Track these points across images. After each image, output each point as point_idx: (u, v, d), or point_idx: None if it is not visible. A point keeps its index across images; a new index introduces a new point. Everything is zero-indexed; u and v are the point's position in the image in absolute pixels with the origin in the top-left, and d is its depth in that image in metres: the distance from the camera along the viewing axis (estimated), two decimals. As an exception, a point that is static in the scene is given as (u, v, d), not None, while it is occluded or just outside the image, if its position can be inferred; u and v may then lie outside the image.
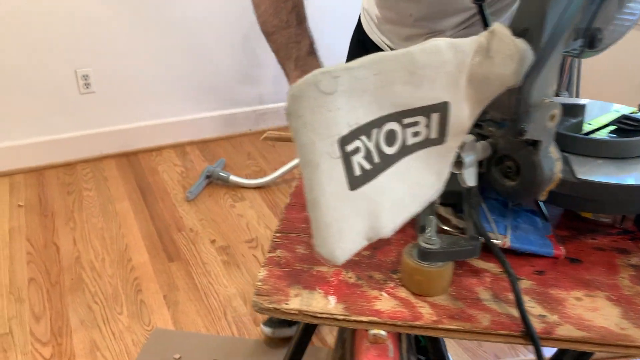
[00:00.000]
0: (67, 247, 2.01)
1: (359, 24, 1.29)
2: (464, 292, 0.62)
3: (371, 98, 0.50)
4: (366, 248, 0.69)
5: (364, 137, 0.51)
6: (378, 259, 0.68)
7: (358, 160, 0.51)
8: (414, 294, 0.62)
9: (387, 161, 0.53)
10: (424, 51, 0.52)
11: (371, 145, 0.51)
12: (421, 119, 0.54)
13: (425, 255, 0.59)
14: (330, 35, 2.11)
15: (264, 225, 2.18)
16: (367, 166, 0.51)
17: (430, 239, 0.60)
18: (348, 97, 0.48)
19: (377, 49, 1.20)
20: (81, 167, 2.55)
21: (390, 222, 0.54)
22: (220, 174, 2.42)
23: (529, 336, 0.56)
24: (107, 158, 2.64)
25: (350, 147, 0.50)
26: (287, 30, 0.97)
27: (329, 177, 0.48)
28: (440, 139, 0.56)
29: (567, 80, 1.04)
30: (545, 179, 0.62)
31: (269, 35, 0.98)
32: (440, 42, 0.53)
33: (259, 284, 0.64)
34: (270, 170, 2.59)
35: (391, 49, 1.17)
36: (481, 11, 0.75)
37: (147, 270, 1.92)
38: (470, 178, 0.61)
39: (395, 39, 1.16)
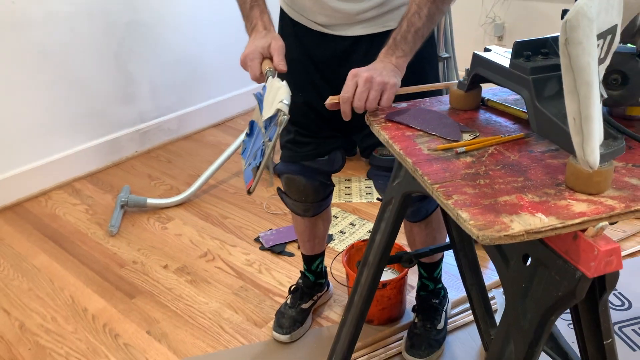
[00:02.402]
0: (1, 320, 1.74)
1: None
2: (615, 183, 0.76)
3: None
4: (514, 174, 0.80)
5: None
6: (532, 180, 0.78)
7: None
8: (590, 194, 0.74)
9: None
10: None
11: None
12: (600, 42, 0.66)
13: (602, 157, 0.72)
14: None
15: (209, 237, 2.12)
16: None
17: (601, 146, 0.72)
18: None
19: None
20: (-39, 234, 2.18)
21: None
22: (137, 200, 2.27)
23: (693, 197, 0.71)
24: (-13, 217, 2.29)
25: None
26: None
27: (596, 95, 0.58)
28: (604, 59, 0.69)
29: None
30: (646, 82, 0.78)
31: None
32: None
33: (472, 222, 0.70)
34: (179, 185, 2.50)
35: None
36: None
37: (111, 313, 1.75)
38: (603, 91, 0.75)
39: None
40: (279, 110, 0.99)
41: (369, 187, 2.38)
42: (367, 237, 2.03)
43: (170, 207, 2.32)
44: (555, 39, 0.88)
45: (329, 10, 1.21)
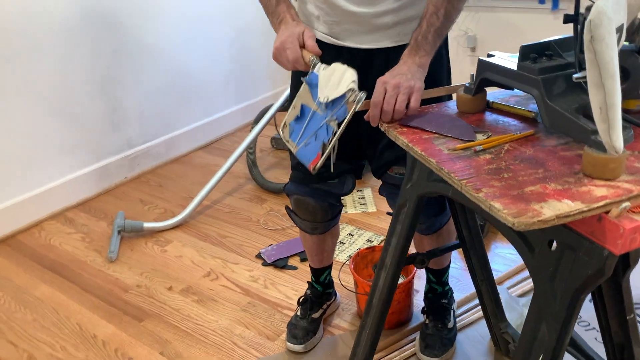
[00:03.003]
0: (9, 353, 1.72)
1: None
2: (627, 169, 0.83)
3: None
4: (533, 166, 0.86)
5: None
6: (552, 171, 0.85)
7: None
8: (607, 179, 0.80)
9: None
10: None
11: None
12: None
13: (617, 145, 0.78)
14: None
15: (210, 257, 2.14)
16: None
17: (613, 134, 0.79)
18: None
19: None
20: (-45, 270, 2.14)
21: None
22: (133, 224, 2.27)
23: (699, 176, 0.79)
24: (-20, 251, 2.25)
25: None
26: None
27: (619, 86, 0.64)
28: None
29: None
30: (646, 76, 0.86)
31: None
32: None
33: (505, 211, 0.76)
34: (173, 207, 2.51)
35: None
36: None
37: (121, 338, 1.75)
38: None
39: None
40: (351, 90, 1.04)
41: (362, 198, 2.43)
42: (366, 245, 2.08)
43: (167, 229, 2.32)
44: (559, 41, 0.96)
45: (340, 15, 1.23)
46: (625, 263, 0.81)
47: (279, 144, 3.04)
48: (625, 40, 0.89)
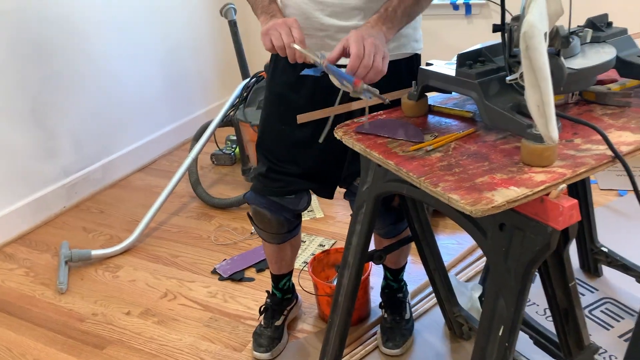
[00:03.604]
0: (-36, 397, 1.65)
1: None
2: (559, 156, 0.95)
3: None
4: (479, 160, 0.97)
5: None
6: (495, 163, 0.96)
7: None
8: (543, 167, 0.92)
9: None
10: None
11: None
12: (537, 47, 0.85)
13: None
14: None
15: (165, 277, 2.14)
16: None
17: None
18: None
19: None
20: None
21: None
22: (81, 253, 2.23)
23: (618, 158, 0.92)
24: None
25: None
26: None
27: (551, 86, 0.76)
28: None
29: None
30: (565, 74, 0.99)
31: None
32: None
33: (463, 201, 0.86)
34: (119, 233, 2.48)
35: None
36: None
37: (84, 369, 1.73)
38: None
39: None
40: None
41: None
42: (319, 250, 2.15)
43: (116, 255, 2.30)
44: (488, 47, 1.08)
45: (312, 30, 1.30)
46: (565, 237, 0.93)
47: (219, 160, 3.06)
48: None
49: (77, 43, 2.67)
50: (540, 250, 0.89)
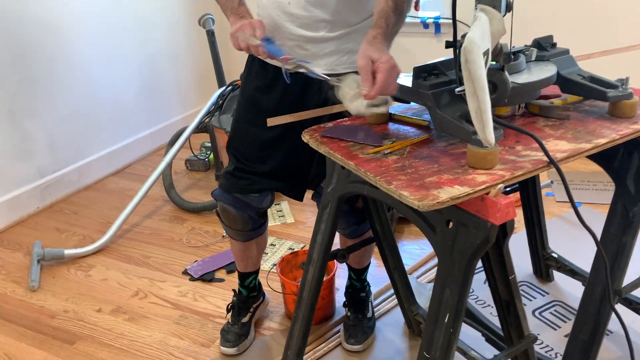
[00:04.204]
0: None
1: None
2: (500, 160, 1.06)
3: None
4: (430, 163, 1.08)
5: None
6: (444, 165, 1.06)
7: None
8: (486, 169, 1.02)
9: None
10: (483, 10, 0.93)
11: None
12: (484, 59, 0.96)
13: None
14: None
15: (136, 277, 2.19)
16: None
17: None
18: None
19: None
20: None
21: None
22: (53, 252, 2.27)
23: (552, 164, 1.03)
24: None
25: None
26: None
27: (488, 95, 0.86)
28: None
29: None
30: (508, 87, 1.10)
31: None
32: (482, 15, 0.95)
33: (412, 197, 0.95)
34: (92, 234, 2.52)
35: None
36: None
37: (54, 362, 1.77)
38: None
39: None
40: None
41: (280, 211, 2.59)
42: (289, 252, 2.23)
43: (88, 255, 2.34)
44: (443, 62, 1.19)
45: (289, 39, 1.39)
46: (503, 232, 1.03)
47: (194, 165, 3.12)
48: (492, 61, 1.13)
49: (56, 46, 2.72)
50: (481, 243, 0.99)
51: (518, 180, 1.00)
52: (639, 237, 1.36)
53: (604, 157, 1.33)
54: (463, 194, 0.95)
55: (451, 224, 1.04)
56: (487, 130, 0.89)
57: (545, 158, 1.04)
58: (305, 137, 1.27)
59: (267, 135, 1.49)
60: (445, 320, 1.06)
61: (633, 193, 1.30)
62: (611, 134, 1.15)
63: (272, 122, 1.29)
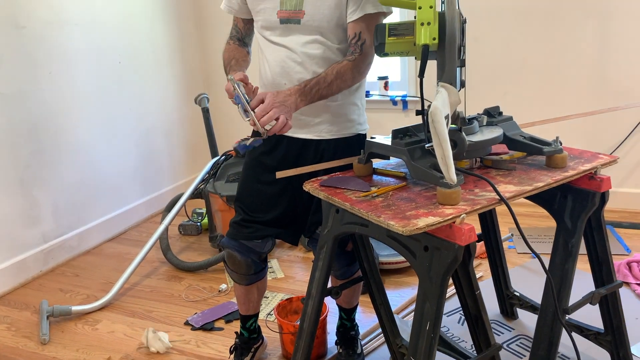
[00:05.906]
0: None
1: None
2: (463, 199, 1.36)
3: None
4: (409, 202, 1.37)
5: None
6: (420, 203, 1.36)
7: None
8: (452, 205, 1.32)
9: None
10: (444, 86, 1.26)
11: None
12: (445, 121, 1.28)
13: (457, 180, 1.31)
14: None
15: (141, 329, 2.36)
16: None
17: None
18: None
19: None
20: None
21: None
22: (62, 309, 2.44)
23: (502, 200, 1.34)
24: None
25: None
26: (230, 61, 1.74)
27: (449, 146, 1.17)
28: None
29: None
30: (465, 144, 1.43)
31: (224, 67, 1.76)
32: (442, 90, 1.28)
33: (397, 225, 1.24)
34: (95, 292, 2.70)
35: None
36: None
37: (72, 404, 1.91)
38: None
39: None
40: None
41: (271, 267, 2.83)
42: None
43: (94, 311, 2.51)
44: (415, 126, 1.52)
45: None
46: (468, 253, 1.32)
47: (187, 230, 3.36)
48: (452, 124, 1.46)
49: (64, 122, 3.01)
50: (451, 262, 1.27)
51: (477, 212, 1.30)
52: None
53: (546, 201, 1.66)
54: (436, 222, 1.25)
55: (427, 249, 1.33)
56: (450, 171, 1.19)
57: (497, 197, 1.36)
58: (307, 187, 1.56)
59: (271, 190, 1.78)
60: (427, 328, 1.32)
61: (570, 228, 1.61)
62: (547, 179, 1.48)
63: (280, 174, 1.58)
